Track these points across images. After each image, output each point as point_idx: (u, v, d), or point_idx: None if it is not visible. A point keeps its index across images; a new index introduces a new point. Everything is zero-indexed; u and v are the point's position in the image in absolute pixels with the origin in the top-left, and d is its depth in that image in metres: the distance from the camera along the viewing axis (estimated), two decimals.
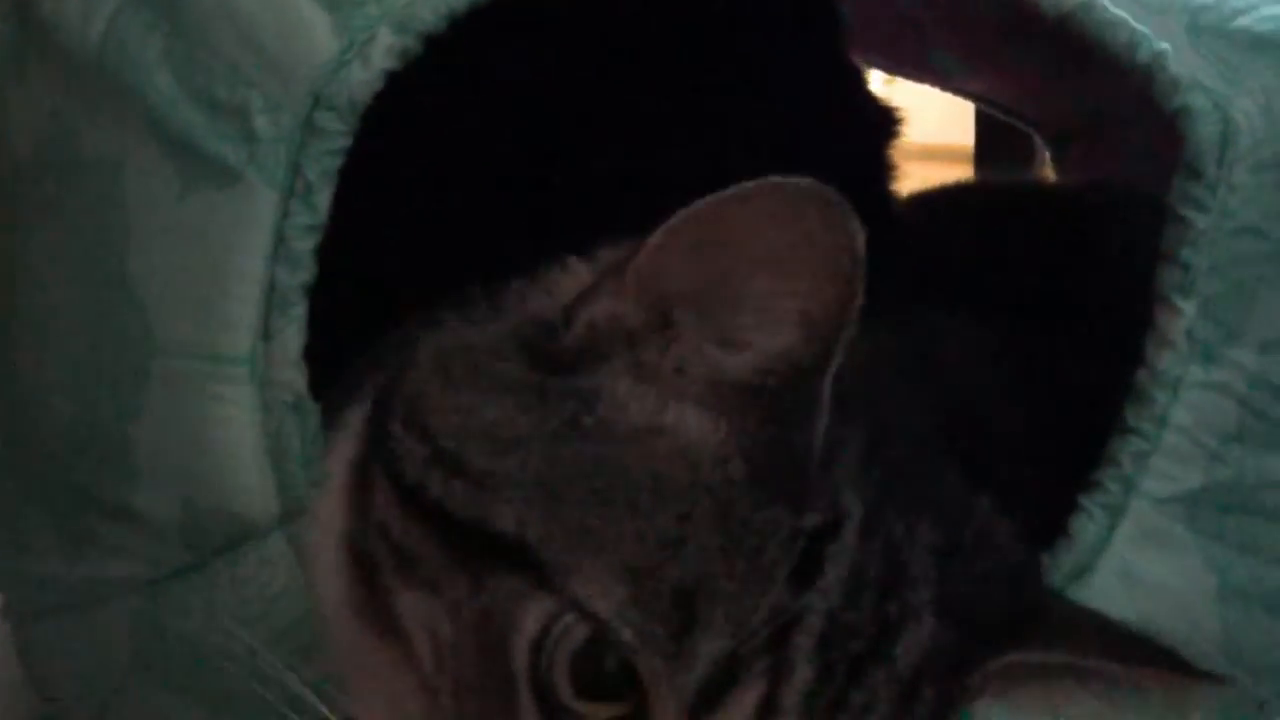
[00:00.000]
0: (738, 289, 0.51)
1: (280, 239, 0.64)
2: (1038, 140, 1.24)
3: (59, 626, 0.74)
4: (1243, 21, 0.68)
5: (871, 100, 0.89)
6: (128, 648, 0.71)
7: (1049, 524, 0.68)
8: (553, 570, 0.51)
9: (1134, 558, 0.66)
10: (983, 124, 1.44)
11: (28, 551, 0.74)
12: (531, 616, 0.51)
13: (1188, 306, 0.65)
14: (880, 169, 0.87)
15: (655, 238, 0.52)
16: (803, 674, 0.50)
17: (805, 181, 0.48)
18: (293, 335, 0.65)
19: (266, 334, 0.65)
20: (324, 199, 0.64)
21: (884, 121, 0.88)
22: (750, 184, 0.49)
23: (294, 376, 0.65)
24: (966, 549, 0.56)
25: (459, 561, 0.52)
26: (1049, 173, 1.23)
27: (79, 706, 0.75)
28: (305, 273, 0.64)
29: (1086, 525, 0.66)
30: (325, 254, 0.65)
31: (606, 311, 0.54)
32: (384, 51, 0.64)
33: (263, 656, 0.66)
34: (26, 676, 0.81)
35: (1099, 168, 1.14)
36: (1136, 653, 0.56)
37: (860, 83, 0.89)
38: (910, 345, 0.66)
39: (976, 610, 0.55)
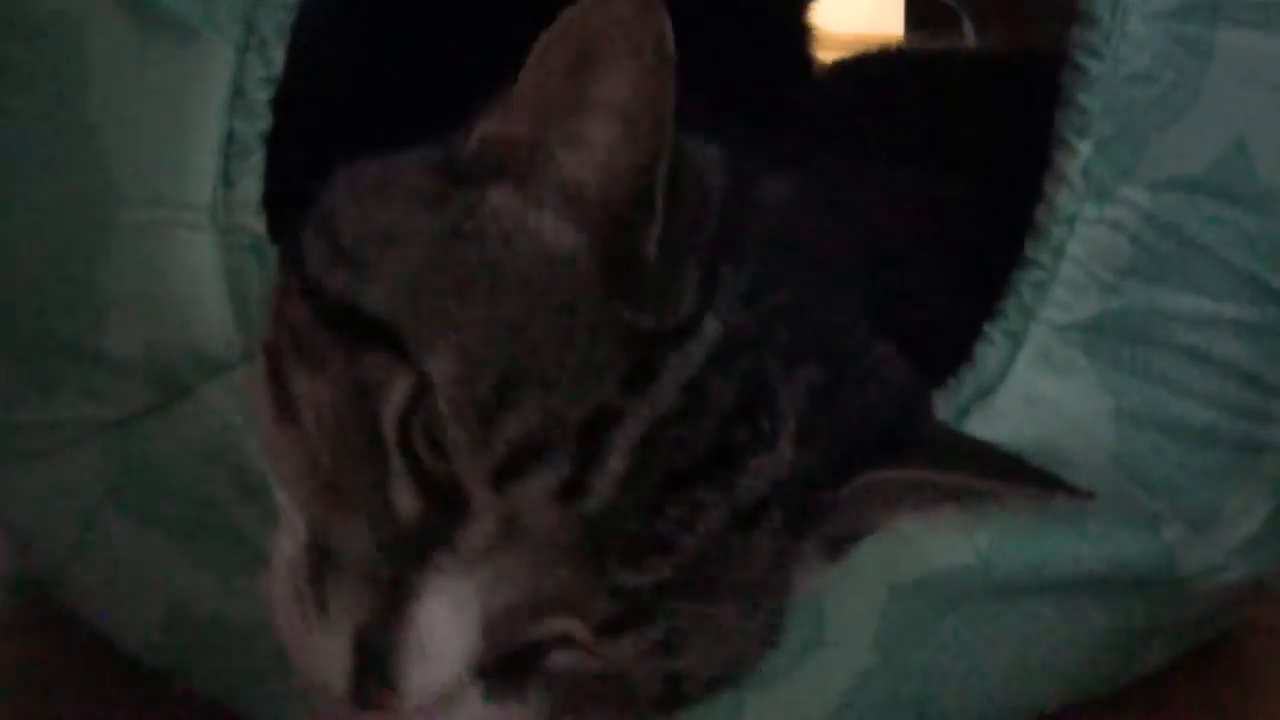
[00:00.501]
0: (578, 94, 0.55)
1: (238, 91, 0.68)
2: (964, 17, 1.29)
3: (30, 472, 0.78)
4: None
5: None
6: (98, 486, 0.75)
7: (960, 357, 0.74)
8: (413, 348, 0.55)
9: (1034, 381, 0.72)
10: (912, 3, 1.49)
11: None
12: (397, 389, 0.55)
13: (1084, 147, 0.70)
14: (798, 31, 0.91)
15: (531, 55, 0.56)
16: (614, 466, 0.53)
17: None
18: (251, 182, 0.68)
19: (227, 181, 0.68)
20: (278, 53, 0.68)
21: None
22: None
23: (253, 222, 0.69)
24: (849, 387, 0.60)
25: (341, 342, 0.57)
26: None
27: (52, 547, 0.80)
28: (262, 122, 0.68)
29: (989, 351, 0.71)
30: (282, 103, 0.68)
31: (496, 128, 0.59)
32: None
33: (226, 485, 0.71)
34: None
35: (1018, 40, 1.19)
36: (1012, 472, 0.61)
37: None
38: (823, 193, 0.70)
39: (847, 438, 0.59)
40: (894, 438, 0.61)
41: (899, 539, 0.72)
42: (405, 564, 0.55)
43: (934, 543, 0.73)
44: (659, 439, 0.54)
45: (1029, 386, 0.72)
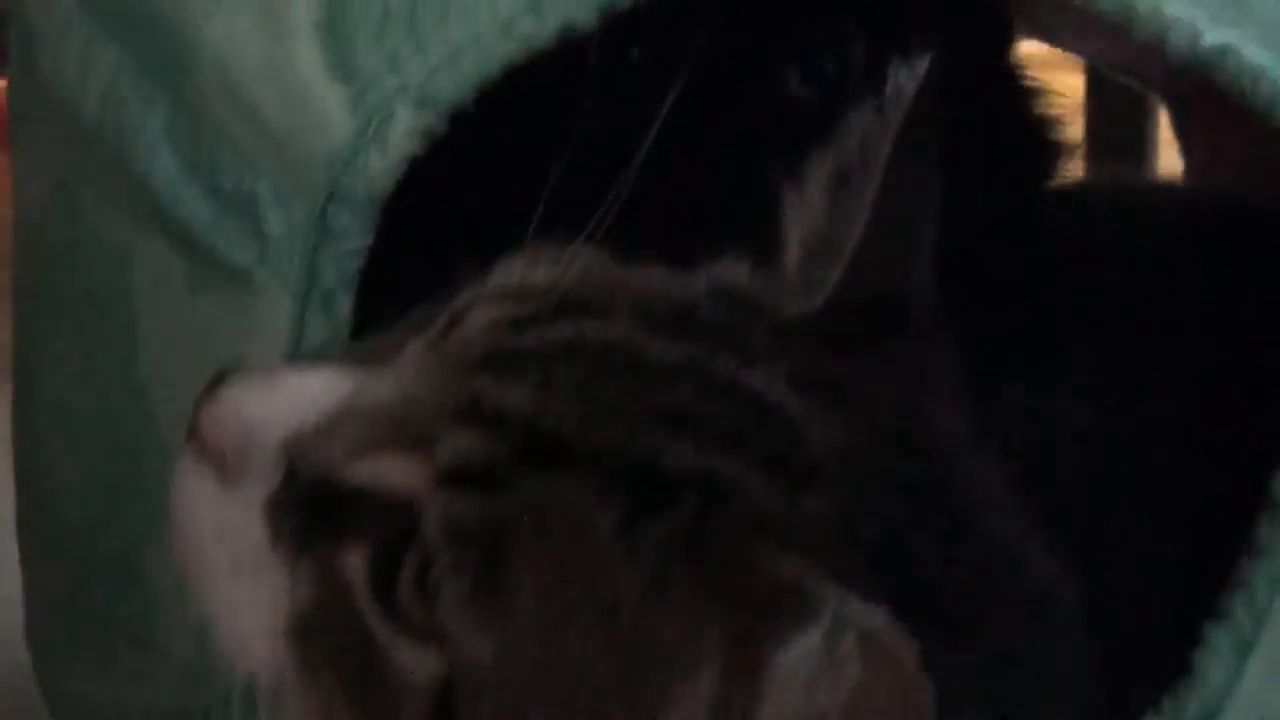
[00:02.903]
0: None
1: (297, 347, 0.57)
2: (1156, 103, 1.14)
3: None
4: None
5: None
6: None
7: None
8: None
9: (1270, 698, 0.58)
10: (1092, 83, 1.34)
11: (62, 668, 0.71)
12: None
13: None
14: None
15: None
16: None
17: None
18: None
19: None
20: (345, 304, 0.57)
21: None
22: None
23: None
24: None
25: None
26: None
27: None
28: None
29: (1213, 662, 0.58)
30: None
31: None
32: (404, 133, 0.55)
33: None
34: None
35: (1230, 133, 1.03)
36: None
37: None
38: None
39: None
40: None
41: None
42: None
43: None
44: None
45: (1263, 704, 0.58)
